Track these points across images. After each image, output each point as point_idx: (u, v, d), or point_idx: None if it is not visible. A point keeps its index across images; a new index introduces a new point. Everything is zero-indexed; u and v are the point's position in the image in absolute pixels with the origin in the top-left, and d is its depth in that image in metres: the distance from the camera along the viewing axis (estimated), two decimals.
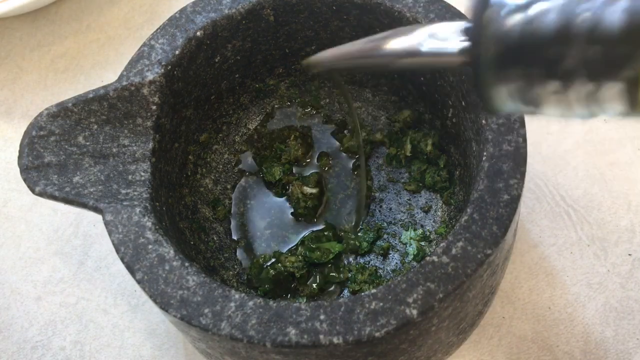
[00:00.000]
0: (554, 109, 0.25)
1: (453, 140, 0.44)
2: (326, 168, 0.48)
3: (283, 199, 0.47)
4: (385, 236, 0.45)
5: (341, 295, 0.44)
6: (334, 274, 0.44)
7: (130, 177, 0.38)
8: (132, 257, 0.35)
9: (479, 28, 0.25)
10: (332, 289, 0.44)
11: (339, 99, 0.49)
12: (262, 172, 0.47)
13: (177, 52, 0.41)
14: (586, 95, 0.24)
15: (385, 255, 0.45)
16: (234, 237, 0.46)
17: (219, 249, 0.45)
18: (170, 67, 0.40)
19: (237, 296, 0.34)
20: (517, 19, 0.24)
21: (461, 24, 0.27)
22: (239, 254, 0.46)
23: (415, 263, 0.44)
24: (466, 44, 0.27)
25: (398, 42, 0.29)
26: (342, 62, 0.32)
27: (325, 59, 0.33)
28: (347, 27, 0.44)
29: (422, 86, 0.44)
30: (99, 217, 0.37)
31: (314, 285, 0.44)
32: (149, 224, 0.36)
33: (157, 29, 0.41)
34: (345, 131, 0.49)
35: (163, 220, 0.39)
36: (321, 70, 0.34)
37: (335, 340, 0.32)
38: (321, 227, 0.46)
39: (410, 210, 0.46)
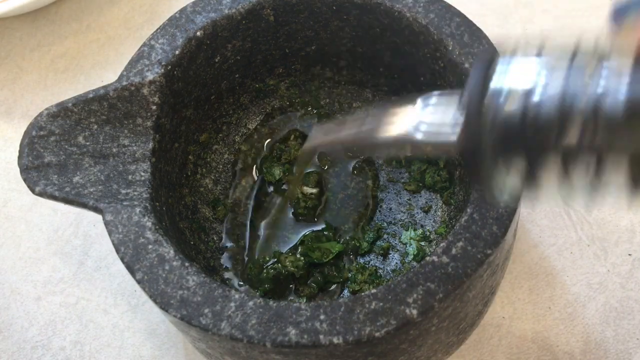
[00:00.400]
0: (557, 192, 0.25)
1: None
2: (326, 167, 0.48)
3: (283, 198, 0.47)
4: (385, 236, 0.45)
5: (341, 295, 0.44)
6: (334, 274, 0.44)
7: (130, 177, 0.38)
8: (132, 257, 0.35)
9: (477, 116, 0.24)
10: (332, 289, 0.44)
11: (339, 99, 0.49)
12: (262, 172, 0.48)
13: (177, 52, 0.41)
14: (590, 171, 0.23)
15: (385, 255, 0.45)
16: (234, 237, 0.46)
17: (219, 249, 0.45)
18: (170, 67, 0.40)
19: (237, 296, 0.34)
20: (516, 105, 0.23)
21: (456, 112, 0.26)
22: (240, 254, 0.46)
23: (415, 263, 0.44)
24: (463, 132, 0.25)
25: (391, 130, 0.28)
26: (335, 148, 0.32)
27: (319, 146, 0.33)
28: (347, 27, 0.44)
29: (422, 86, 0.44)
30: (99, 217, 0.37)
31: (314, 285, 0.44)
32: (149, 224, 0.36)
33: (157, 29, 0.41)
34: None
35: (163, 220, 0.39)
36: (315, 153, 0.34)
37: (335, 340, 0.32)
38: (321, 227, 0.46)
39: (410, 210, 0.46)
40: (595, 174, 0.23)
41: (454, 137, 0.26)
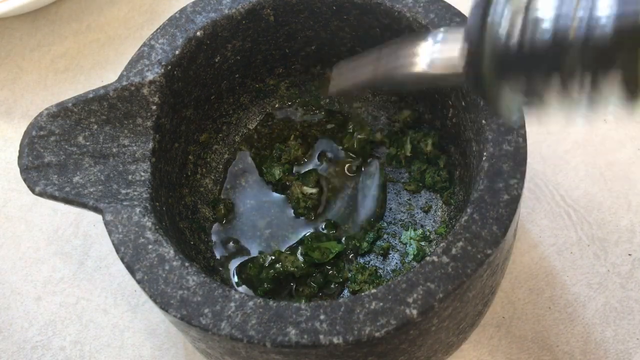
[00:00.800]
0: (558, 105, 0.26)
1: (453, 140, 0.44)
2: (326, 164, 0.48)
3: (283, 198, 0.47)
4: (385, 236, 0.45)
5: (341, 295, 0.44)
6: (334, 274, 0.44)
7: (130, 177, 0.38)
8: (132, 257, 0.35)
9: (478, 47, 0.26)
10: (332, 288, 0.44)
11: (339, 99, 0.49)
12: (262, 172, 0.48)
13: (177, 52, 0.41)
14: (587, 87, 0.25)
15: (385, 255, 0.45)
16: (235, 237, 0.46)
17: (219, 248, 0.45)
18: (170, 67, 0.40)
19: (237, 296, 0.34)
20: (513, 33, 0.25)
21: (462, 45, 0.28)
22: (239, 253, 0.46)
23: (415, 263, 0.44)
24: (467, 64, 0.27)
25: (408, 66, 0.30)
26: (358, 87, 0.34)
27: (342, 89, 0.35)
28: (347, 27, 0.44)
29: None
30: (99, 217, 0.37)
31: (314, 285, 0.44)
32: (149, 224, 0.36)
33: (157, 29, 0.41)
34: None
35: (163, 220, 0.39)
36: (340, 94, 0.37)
37: (335, 340, 0.32)
38: (321, 226, 0.46)
39: (410, 210, 0.46)
40: (592, 88, 0.25)
41: (460, 54, 0.28)
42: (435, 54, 0.29)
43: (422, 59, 0.29)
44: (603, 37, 0.23)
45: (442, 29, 0.30)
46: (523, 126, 0.37)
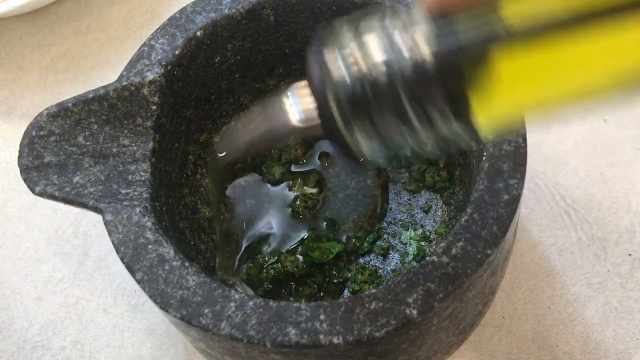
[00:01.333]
0: (408, 141, 0.28)
1: None
2: (326, 164, 0.48)
3: (283, 198, 0.47)
4: (385, 236, 0.45)
5: (341, 295, 0.44)
6: (334, 274, 0.44)
7: (130, 177, 0.38)
8: (132, 257, 0.35)
9: (324, 101, 0.28)
10: (332, 288, 0.44)
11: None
12: (262, 172, 0.48)
13: (177, 52, 0.41)
14: (425, 122, 0.27)
15: (385, 255, 0.45)
16: (234, 238, 0.46)
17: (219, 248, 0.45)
18: (170, 67, 0.40)
19: (237, 296, 0.34)
20: (350, 83, 0.27)
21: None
22: (239, 253, 0.46)
23: (415, 263, 0.44)
24: (320, 117, 0.29)
25: (282, 121, 0.31)
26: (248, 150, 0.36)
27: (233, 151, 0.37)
28: None
29: None
30: (99, 217, 0.37)
31: (314, 285, 0.44)
32: (149, 224, 0.36)
33: (157, 29, 0.41)
34: None
35: (163, 220, 0.39)
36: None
37: (335, 340, 0.32)
38: (321, 226, 0.46)
39: (410, 210, 0.46)
40: (427, 119, 0.26)
41: (315, 113, 0.29)
42: (298, 107, 0.31)
43: (292, 116, 0.31)
44: (425, 70, 0.25)
45: (297, 84, 0.31)
46: (523, 126, 0.37)
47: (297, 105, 0.30)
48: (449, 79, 0.25)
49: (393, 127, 0.27)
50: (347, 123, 0.28)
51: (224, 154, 0.37)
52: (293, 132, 0.31)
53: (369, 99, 0.27)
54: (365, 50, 0.27)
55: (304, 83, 0.31)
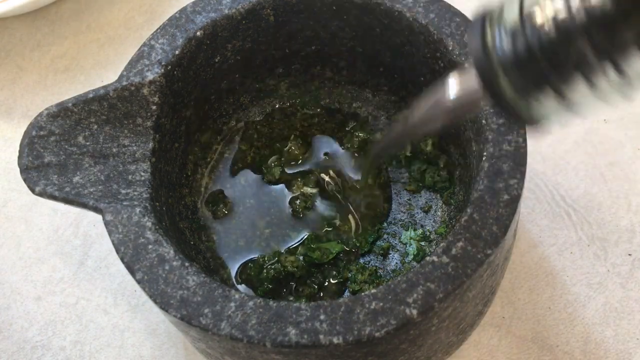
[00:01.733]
0: (593, 99, 0.26)
1: (453, 140, 0.44)
2: (326, 164, 0.48)
3: (283, 198, 0.47)
4: (385, 236, 0.45)
5: (341, 295, 0.44)
6: (334, 274, 0.44)
7: (130, 177, 0.38)
8: (132, 257, 0.35)
9: (489, 70, 0.26)
10: (332, 289, 0.44)
11: (339, 99, 0.49)
12: (262, 172, 0.48)
13: (177, 52, 0.41)
14: (613, 77, 0.24)
15: (385, 255, 0.45)
16: (234, 238, 0.46)
17: (219, 248, 0.45)
18: (170, 67, 0.40)
19: (237, 296, 0.34)
20: (518, 45, 0.25)
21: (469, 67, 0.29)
22: (239, 253, 0.46)
23: (415, 263, 0.44)
24: (485, 91, 0.28)
25: (428, 102, 0.31)
26: (392, 146, 0.39)
27: (378, 149, 0.41)
28: (347, 27, 0.44)
29: (422, 86, 0.44)
30: (99, 217, 0.37)
31: (314, 285, 0.44)
32: (149, 224, 0.36)
33: (157, 29, 0.41)
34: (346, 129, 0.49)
35: (163, 220, 0.39)
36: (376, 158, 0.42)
37: (335, 340, 0.32)
38: (321, 226, 0.46)
39: (410, 210, 0.46)
40: (617, 73, 0.24)
41: (477, 84, 0.28)
42: (456, 88, 0.30)
43: (447, 97, 0.30)
44: (604, 14, 0.23)
45: (452, 72, 0.31)
46: (523, 126, 0.37)
47: (453, 84, 0.30)
48: (633, 15, 0.23)
49: (575, 90, 0.25)
50: (518, 92, 0.26)
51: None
52: (448, 113, 0.31)
53: (538, 59, 0.25)
54: (530, 9, 0.25)
55: (454, 71, 0.30)
